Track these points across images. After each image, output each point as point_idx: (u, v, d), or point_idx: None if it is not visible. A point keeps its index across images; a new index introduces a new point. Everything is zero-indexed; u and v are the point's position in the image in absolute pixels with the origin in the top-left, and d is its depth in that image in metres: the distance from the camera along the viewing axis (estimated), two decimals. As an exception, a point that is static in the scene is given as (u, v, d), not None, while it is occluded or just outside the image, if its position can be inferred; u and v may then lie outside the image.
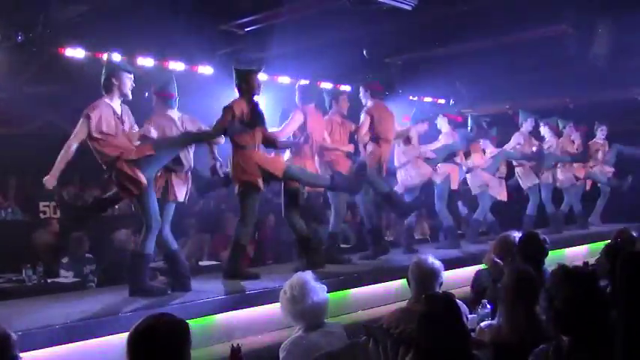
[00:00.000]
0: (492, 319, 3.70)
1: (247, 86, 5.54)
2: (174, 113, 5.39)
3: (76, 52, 7.52)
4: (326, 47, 8.62)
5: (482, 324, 3.57)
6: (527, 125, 8.88)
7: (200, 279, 5.90)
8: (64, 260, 6.81)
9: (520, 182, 8.96)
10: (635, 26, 8.09)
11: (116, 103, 4.97)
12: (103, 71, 4.99)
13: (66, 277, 6.68)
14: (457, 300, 2.87)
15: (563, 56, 8.90)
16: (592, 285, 2.54)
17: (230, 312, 5.00)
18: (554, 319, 2.52)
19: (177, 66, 8.31)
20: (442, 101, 11.32)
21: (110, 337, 4.21)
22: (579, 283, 2.51)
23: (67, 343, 4.09)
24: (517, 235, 4.59)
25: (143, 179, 4.82)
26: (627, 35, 8.32)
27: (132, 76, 5.00)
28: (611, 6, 7.74)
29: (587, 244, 8.73)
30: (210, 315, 4.87)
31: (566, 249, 8.41)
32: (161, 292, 4.98)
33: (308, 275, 3.57)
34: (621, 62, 8.91)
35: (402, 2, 6.48)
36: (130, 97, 4.98)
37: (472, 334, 3.40)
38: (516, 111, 9.49)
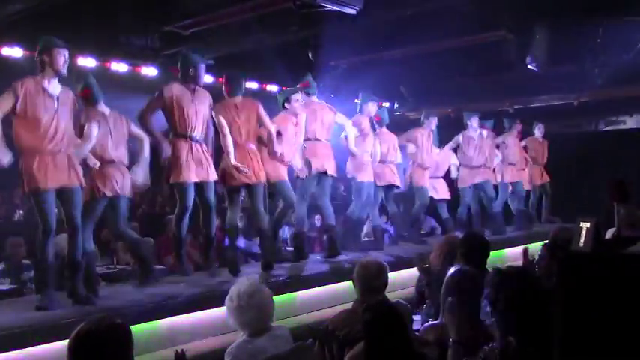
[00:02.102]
0: (436, 318, 3.76)
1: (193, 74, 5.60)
2: (104, 108, 5.32)
3: (13, 52, 7.31)
4: (271, 50, 8.63)
5: (426, 324, 3.63)
6: (471, 123, 9.00)
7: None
8: (0, 267, 6.60)
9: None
10: (571, 33, 8.39)
11: (51, 84, 4.69)
12: (37, 50, 4.75)
13: (2, 283, 6.46)
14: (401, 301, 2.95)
15: (503, 61, 9.14)
16: (527, 284, 2.62)
17: (174, 316, 4.94)
18: (498, 321, 2.58)
19: (120, 67, 8.16)
20: (387, 104, 11.45)
21: (50, 344, 4.11)
22: (515, 283, 2.58)
23: (3, 352, 3.97)
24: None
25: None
26: (563, 41, 8.62)
27: (65, 52, 4.71)
28: (548, 13, 8.00)
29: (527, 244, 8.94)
30: (154, 319, 4.80)
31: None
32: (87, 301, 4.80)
33: (255, 281, 3.54)
34: (558, 67, 9.21)
35: (346, 6, 6.52)
36: (65, 73, 4.72)
37: (417, 333, 3.46)
38: (457, 114, 9.66)
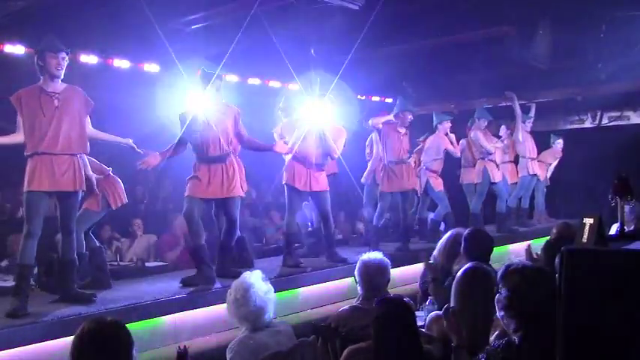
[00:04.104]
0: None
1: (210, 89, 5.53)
2: None
3: (15, 49, 7.30)
4: (273, 45, 8.60)
5: (433, 313, 3.61)
6: (480, 123, 9.07)
7: (147, 280, 5.83)
8: (3, 264, 6.61)
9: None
10: (574, 27, 8.35)
11: (49, 85, 4.66)
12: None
13: (5, 280, 6.47)
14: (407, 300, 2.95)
15: (506, 56, 9.10)
16: (545, 282, 2.51)
17: (177, 313, 4.94)
18: (509, 320, 2.49)
19: (122, 63, 8.14)
20: (389, 100, 11.40)
21: (52, 341, 4.11)
22: (543, 283, 2.47)
23: (6, 349, 3.97)
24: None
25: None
26: (566, 36, 8.58)
27: (58, 54, 4.63)
28: (551, 7, 7.96)
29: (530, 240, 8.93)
30: (157, 317, 4.80)
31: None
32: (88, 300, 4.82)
33: (254, 277, 3.53)
34: (561, 62, 9.17)
35: (349, 2, 6.50)
36: (61, 75, 4.67)
37: (422, 329, 3.45)
38: (460, 110, 9.66)
